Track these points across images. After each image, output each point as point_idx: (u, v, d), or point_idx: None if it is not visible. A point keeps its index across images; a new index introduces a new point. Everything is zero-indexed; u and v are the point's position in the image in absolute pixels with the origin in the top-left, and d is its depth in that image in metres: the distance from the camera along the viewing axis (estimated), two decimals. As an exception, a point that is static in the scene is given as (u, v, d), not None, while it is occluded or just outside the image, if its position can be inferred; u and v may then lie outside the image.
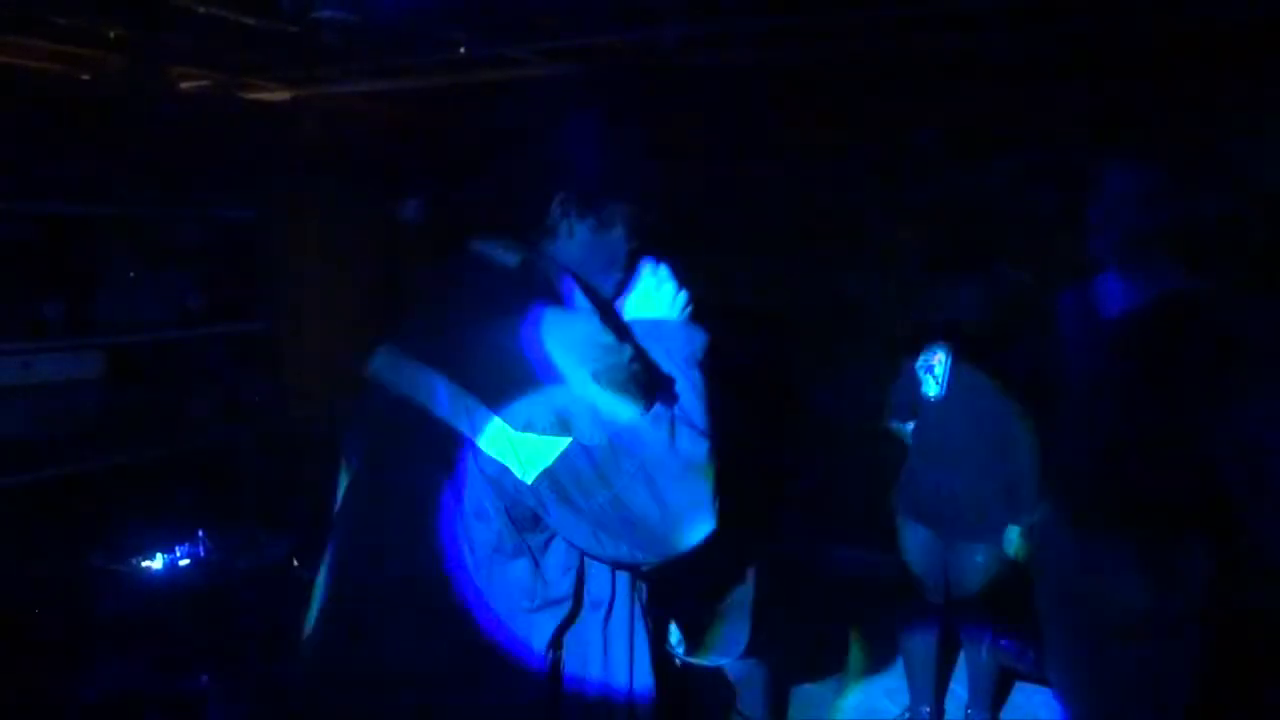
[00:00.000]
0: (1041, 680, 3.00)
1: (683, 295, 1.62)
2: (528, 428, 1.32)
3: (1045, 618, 2.54)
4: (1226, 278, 2.31)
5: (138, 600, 3.13)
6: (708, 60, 3.09)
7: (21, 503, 3.10)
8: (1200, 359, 2.13)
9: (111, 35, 2.88)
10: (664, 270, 1.62)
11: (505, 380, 1.34)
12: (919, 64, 3.28)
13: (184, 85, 3.52)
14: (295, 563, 3.60)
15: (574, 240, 1.54)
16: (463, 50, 2.99)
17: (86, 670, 2.85)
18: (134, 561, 3.23)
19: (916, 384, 3.10)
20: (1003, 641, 3.00)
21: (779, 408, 4.35)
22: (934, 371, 3.05)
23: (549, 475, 1.32)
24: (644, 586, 1.54)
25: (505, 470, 1.33)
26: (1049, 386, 2.46)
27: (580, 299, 1.46)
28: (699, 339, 1.56)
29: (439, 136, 4.39)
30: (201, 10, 2.66)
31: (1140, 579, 2.22)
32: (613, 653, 1.46)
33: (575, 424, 1.32)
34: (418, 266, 4.28)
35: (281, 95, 3.76)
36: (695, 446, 1.39)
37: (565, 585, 1.40)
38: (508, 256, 1.51)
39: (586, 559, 1.41)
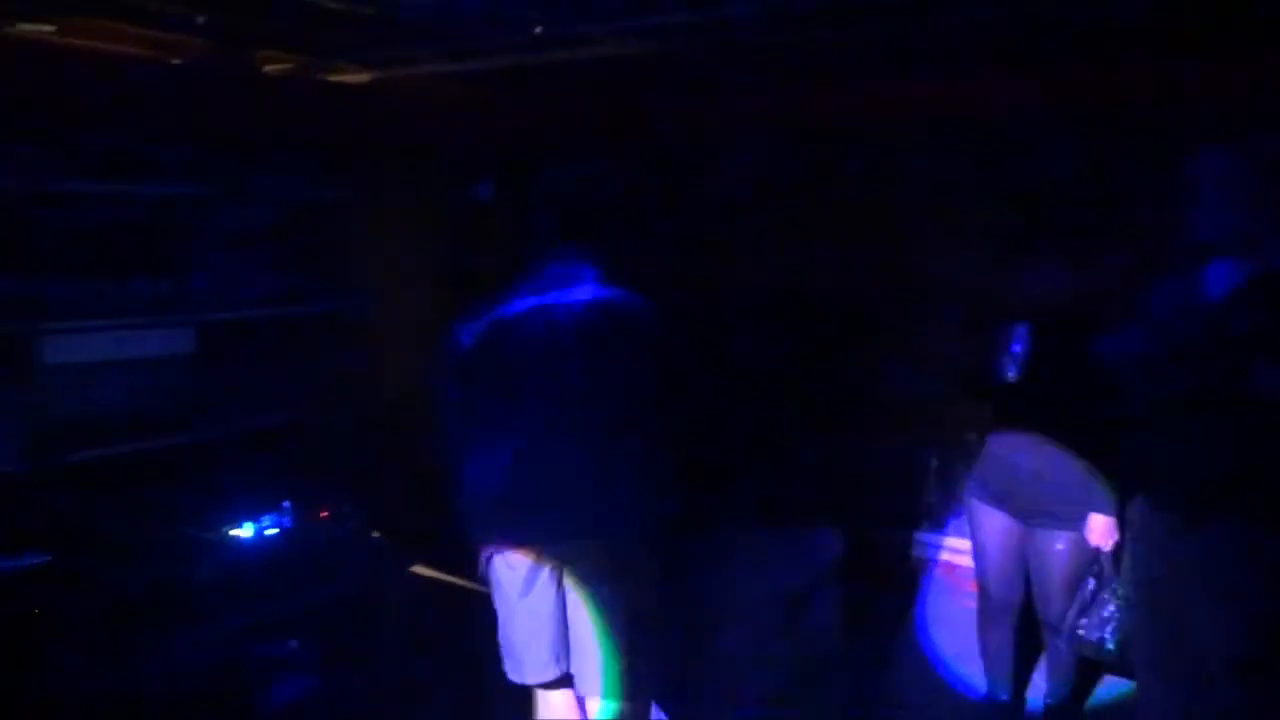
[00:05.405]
0: (1124, 672, 2.93)
1: None
2: None
3: (1134, 607, 2.48)
4: None
5: (228, 567, 3.26)
6: (783, 38, 3.04)
7: (118, 473, 3.23)
8: None
9: (199, 20, 2.96)
10: None
11: None
12: (1009, 37, 3.18)
13: (268, 68, 3.60)
14: (375, 534, 3.71)
15: None
16: (538, 30, 2.99)
17: (181, 634, 2.98)
18: (224, 530, 3.36)
19: (995, 366, 3.03)
20: (1083, 631, 2.93)
21: (849, 392, 4.32)
22: (1014, 353, 2.97)
23: None
24: None
25: None
26: (1139, 372, 2.38)
27: None
28: None
29: (514, 117, 4.42)
30: (284, -7, 2.72)
31: (1241, 568, 2.16)
32: None
33: None
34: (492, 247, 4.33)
35: (361, 77, 3.82)
36: None
37: None
38: None
39: None
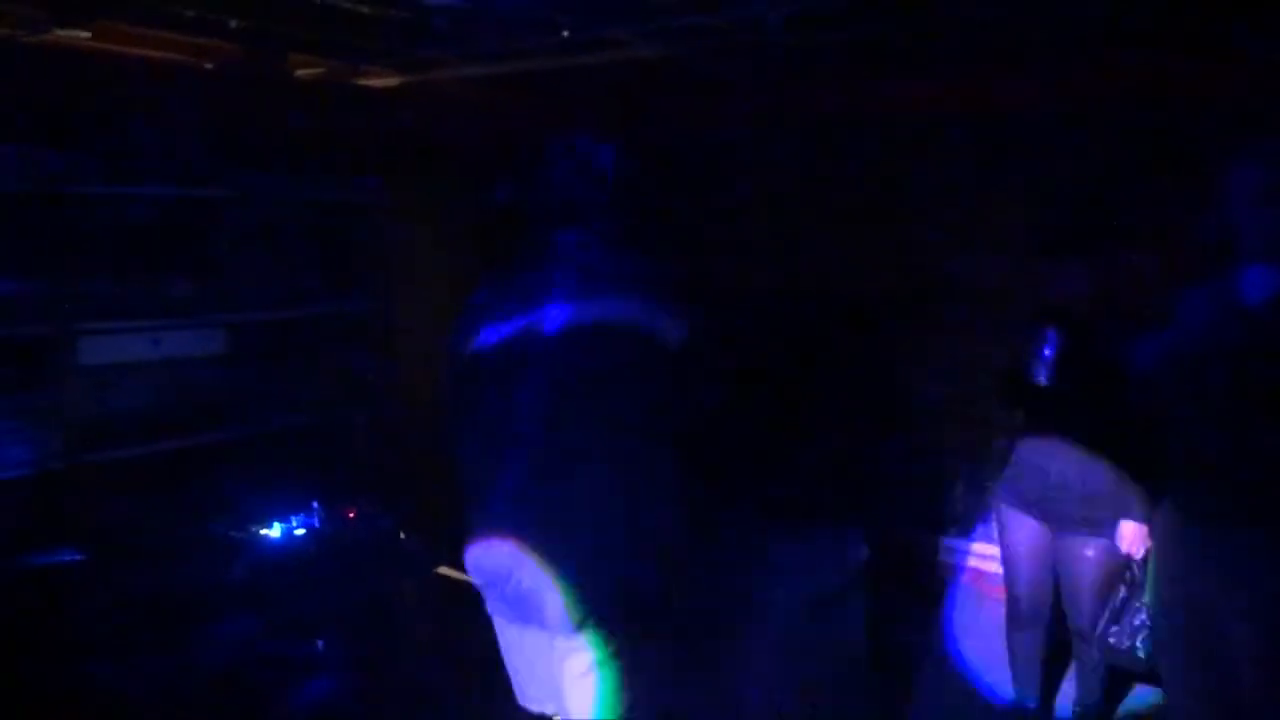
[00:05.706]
0: (1155, 681, 2.89)
1: None
2: None
3: (1163, 615, 2.45)
4: None
5: (256, 566, 3.29)
6: (808, 39, 3.04)
7: (148, 473, 3.26)
8: None
9: (233, 25, 3.00)
10: None
11: None
12: (1031, 36, 3.15)
13: (300, 73, 3.64)
14: (402, 535, 3.73)
15: None
16: (565, 34, 3.00)
17: (210, 633, 3.01)
18: (253, 529, 3.39)
19: (1025, 369, 3.00)
20: (1114, 639, 2.89)
21: (878, 396, 4.29)
22: (1044, 357, 2.94)
23: None
24: None
25: None
26: (1173, 377, 2.35)
27: None
28: None
29: (539, 121, 4.44)
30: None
31: (1271, 573, 2.13)
32: None
33: None
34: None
35: (390, 81, 3.86)
36: None
37: None
38: None
39: None
